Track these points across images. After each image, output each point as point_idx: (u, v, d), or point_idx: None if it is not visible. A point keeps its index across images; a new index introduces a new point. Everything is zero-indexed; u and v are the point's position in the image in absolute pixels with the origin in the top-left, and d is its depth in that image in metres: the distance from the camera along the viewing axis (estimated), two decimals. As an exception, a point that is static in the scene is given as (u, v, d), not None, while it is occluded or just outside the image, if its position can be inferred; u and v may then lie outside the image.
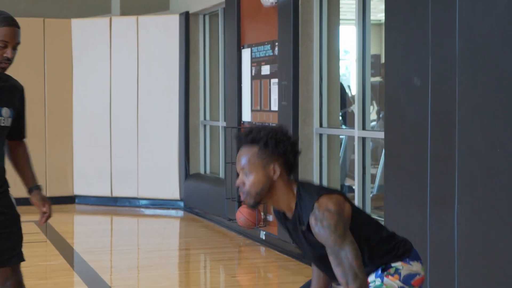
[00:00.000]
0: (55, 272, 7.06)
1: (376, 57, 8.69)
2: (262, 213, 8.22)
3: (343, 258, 3.07)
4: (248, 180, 3.21)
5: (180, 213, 10.40)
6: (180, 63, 10.49)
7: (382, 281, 3.26)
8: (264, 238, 8.17)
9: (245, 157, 3.22)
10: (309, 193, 3.20)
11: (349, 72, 10.41)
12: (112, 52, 10.77)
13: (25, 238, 4.07)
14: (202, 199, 9.93)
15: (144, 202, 10.75)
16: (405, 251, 3.33)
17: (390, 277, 3.27)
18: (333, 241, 3.08)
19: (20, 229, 4.04)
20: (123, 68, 10.74)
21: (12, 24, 3.85)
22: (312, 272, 3.50)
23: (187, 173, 10.49)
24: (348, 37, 8.51)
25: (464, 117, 5.00)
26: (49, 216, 4.08)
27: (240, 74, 8.76)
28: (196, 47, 10.60)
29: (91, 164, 10.86)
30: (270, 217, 8.13)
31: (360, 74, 6.95)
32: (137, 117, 10.65)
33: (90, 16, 11.36)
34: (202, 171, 10.62)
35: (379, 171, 8.39)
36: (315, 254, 3.27)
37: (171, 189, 10.55)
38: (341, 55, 7.77)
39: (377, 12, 8.83)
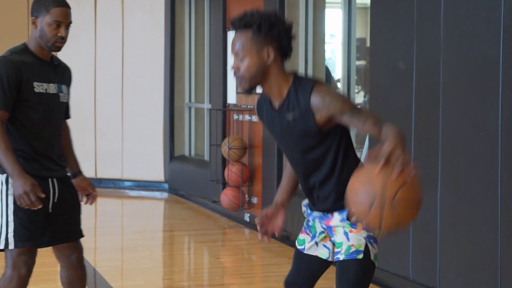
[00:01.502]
0: (39, 252, 7.04)
1: (362, 40, 8.70)
2: (246, 196, 8.25)
3: (367, 115, 3.07)
4: (243, 65, 3.18)
5: (165, 195, 10.41)
6: (165, 44, 10.46)
7: (348, 238, 3.21)
8: (248, 220, 8.18)
9: (239, 42, 3.20)
10: (306, 80, 3.20)
11: (334, 55, 10.41)
12: (97, 33, 10.72)
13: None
14: (187, 181, 9.94)
15: (128, 183, 10.74)
16: None
17: (352, 230, 3.21)
18: (349, 107, 3.08)
19: (80, 206, 4.22)
20: (108, 49, 10.70)
21: (63, 4, 4.04)
22: (284, 173, 3.49)
23: (171, 155, 10.48)
24: (334, 20, 8.51)
25: (448, 101, 5.03)
26: (95, 198, 4.28)
27: (226, 56, 8.75)
28: (181, 28, 10.56)
29: (75, 145, 10.77)
30: (255, 200, 8.16)
31: (346, 57, 6.95)
32: (122, 99, 10.63)
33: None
34: (187, 153, 10.62)
35: (363, 154, 8.40)
36: (296, 145, 3.24)
37: (156, 171, 10.55)
38: (327, 38, 7.77)
39: (363, -4, 8.83)
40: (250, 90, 3.22)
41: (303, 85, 3.18)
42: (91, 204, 4.26)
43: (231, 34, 8.61)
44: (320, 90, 3.13)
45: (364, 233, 3.21)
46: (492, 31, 4.64)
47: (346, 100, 3.14)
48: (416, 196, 2.90)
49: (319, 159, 3.20)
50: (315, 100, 3.11)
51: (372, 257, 3.20)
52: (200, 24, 10.41)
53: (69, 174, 4.27)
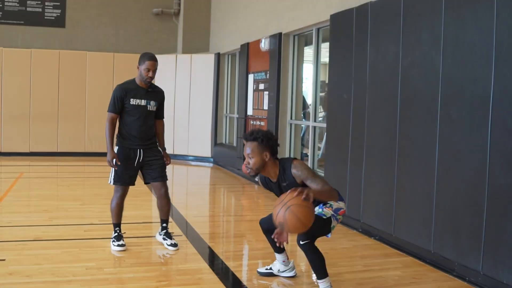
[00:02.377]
0: (139, 190, 6.92)
1: (323, 82, 8.71)
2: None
3: (318, 181, 3.05)
4: (252, 161, 3.10)
5: (211, 165, 10.41)
6: (214, 82, 10.45)
7: (322, 210, 3.20)
8: (257, 180, 8.13)
9: (250, 148, 3.11)
10: (286, 162, 3.15)
11: (307, 90, 10.40)
12: (176, 76, 10.72)
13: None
14: (224, 157, 9.94)
15: (191, 157, 10.68)
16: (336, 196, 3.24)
17: (326, 208, 3.20)
18: (312, 176, 3.06)
19: (164, 163, 4.25)
20: (182, 86, 10.70)
21: (152, 59, 4.08)
22: None
23: (215, 142, 10.51)
24: (308, 69, 8.56)
25: (370, 116, 4.97)
26: (169, 163, 4.26)
27: (247, 88, 8.73)
28: (223, 73, 10.59)
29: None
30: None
31: (314, 91, 6.96)
32: (188, 111, 10.65)
33: (162, 53, 11.29)
34: (224, 142, 10.67)
35: (322, 145, 8.42)
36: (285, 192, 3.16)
37: (206, 151, 10.56)
38: (304, 80, 7.83)
39: (325, 57, 8.81)
40: (255, 175, 3.16)
41: (286, 166, 3.08)
42: (167, 165, 4.28)
43: (250, 76, 8.66)
44: (296, 168, 3.04)
45: (332, 212, 3.18)
46: (394, 73, 4.55)
47: (310, 172, 3.03)
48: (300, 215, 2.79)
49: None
50: (294, 173, 3.07)
51: (331, 226, 3.18)
52: (233, 70, 10.43)
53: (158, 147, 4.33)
